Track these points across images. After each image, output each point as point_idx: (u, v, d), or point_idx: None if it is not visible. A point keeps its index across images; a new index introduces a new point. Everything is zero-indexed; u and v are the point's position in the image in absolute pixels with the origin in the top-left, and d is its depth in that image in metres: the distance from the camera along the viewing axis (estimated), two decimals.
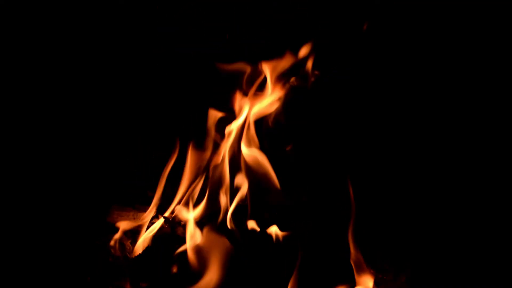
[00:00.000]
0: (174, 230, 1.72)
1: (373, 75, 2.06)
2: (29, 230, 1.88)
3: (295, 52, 1.88)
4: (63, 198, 1.98)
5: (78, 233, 1.87)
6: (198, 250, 1.59)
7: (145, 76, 2.18)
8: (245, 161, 1.80)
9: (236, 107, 1.85)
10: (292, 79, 1.87)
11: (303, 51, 1.88)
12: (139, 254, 1.69)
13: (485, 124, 2.02)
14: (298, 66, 1.89)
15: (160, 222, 1.77)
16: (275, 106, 1.86)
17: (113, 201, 1.94)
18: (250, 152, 1.81)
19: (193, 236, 1.63)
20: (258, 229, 1.70)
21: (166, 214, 1.80)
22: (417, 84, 2.07)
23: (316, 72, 1.91)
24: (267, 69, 1.85)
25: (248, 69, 1.89)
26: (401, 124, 2.08)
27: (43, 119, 2.12)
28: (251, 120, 1.84)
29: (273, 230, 1.69)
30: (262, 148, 1.83)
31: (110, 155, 2.11)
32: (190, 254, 1.59)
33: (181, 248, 1.63)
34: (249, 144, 1.82)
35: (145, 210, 1.89)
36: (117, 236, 1.79)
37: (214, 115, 1.87)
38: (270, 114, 1.87)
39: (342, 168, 2.03)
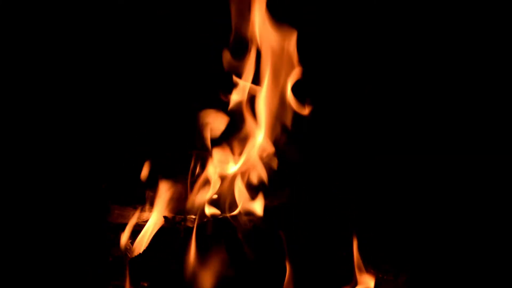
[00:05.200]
0: (174, 229, 1.72)
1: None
2: (29, 230, 1.87)
3: None
4: (63, 198, 1.98)
5: (78, 233, 1.87)
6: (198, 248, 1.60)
7: (145, 76, 2.18)
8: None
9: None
10: None
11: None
12: (140, 253, 1.68)
13: (484, 129, 2.03)
14: None
15: (160, 221, 1.78)
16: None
17: (113, 201, 1.93)
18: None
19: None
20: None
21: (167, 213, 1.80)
22: (407, 89, 2.08)
23: None
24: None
25: None
26: (402, 130, 2.08)
27: (43, 119, 2.11)
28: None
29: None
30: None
31: (110, 155, 2.11)
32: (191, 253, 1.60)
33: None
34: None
35: (145, 210, 1.89)
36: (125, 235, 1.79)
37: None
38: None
39: (342, 168, 2.04)
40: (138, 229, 1.82)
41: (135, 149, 2.11)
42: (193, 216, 1.76)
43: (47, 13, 2.13)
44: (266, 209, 1.73)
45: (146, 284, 1.61)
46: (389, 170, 2.03)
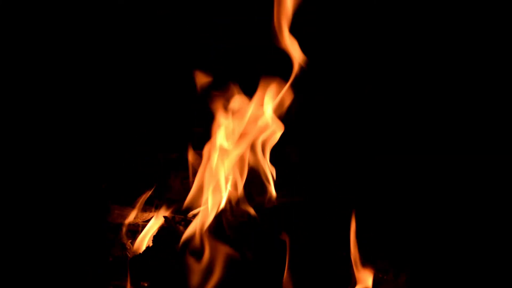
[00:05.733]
0: (174, 229, 1.72)
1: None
2: (29, 230, 1.87)
3: None
4: (63, 198, 1.98)
5: (78, 233, 1.87)
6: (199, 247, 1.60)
7: (146, 76, 2.18)
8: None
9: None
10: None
11: None
12: (140, 253, 1.68)
13: (484, 129, 2.03)
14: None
15: (160, 221, 1.77)
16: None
17: (113, 201, 1.93)
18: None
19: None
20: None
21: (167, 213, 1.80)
22: (406, 85, 2.08)
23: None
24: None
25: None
26: (402, 128, 2.08)
27: (43, 119, 2.11)
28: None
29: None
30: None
31: (110, 155, 2.11)
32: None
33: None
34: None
35: (145, 210, 1.89)
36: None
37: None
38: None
39: (342, 168, 2.03)
40: (138, 229, 1.82)
41: (135, 149, 2.11)
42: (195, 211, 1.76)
43: (47, 13, 2.13)
44: (267, 209, 1.73)
45: (146, 284, 1.61)
46: (389, 170, 2.03)
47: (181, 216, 1.80)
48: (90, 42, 2.17)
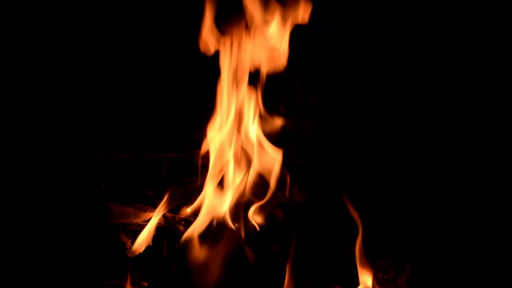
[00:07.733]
0: (174, 229, 1.72)
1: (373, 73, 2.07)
2: (29, 230, 1.87)
3: None
4: (63, 198, 1.98)
5: (78, 233, 1.87)
6: (199, 247, 1.60)
7: (146, 76, 2.18)
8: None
9: None
10: None
11: None
12: (140, 253, 1.68)
13: (484, 124, 2.03)
14: None
15: (160, 221, 1.78)
16: None
17: (113, 201, 1.94)
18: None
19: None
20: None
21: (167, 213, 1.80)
22: (416, 84, 2.08)
23: None
24: None
25: None
26: (401, 123, 2.08)
27: (44, 120, 2.12)
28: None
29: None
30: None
31: (111, 155, 2.11)
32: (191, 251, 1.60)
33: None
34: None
35: (145, 210, 1.89)
36: None
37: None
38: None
39: (342, 168, 2.04)
40: (138, 229, 1.82)
41: (136, 149, 2.12)
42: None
43: (45, 13, 2.13)
44: (269, 208, 1.74)
45: (146, 284, 1.61)
46: (389, 170, 2.03)
47: (181, 216, 1.80)
48: (90, 43, 2.17)
